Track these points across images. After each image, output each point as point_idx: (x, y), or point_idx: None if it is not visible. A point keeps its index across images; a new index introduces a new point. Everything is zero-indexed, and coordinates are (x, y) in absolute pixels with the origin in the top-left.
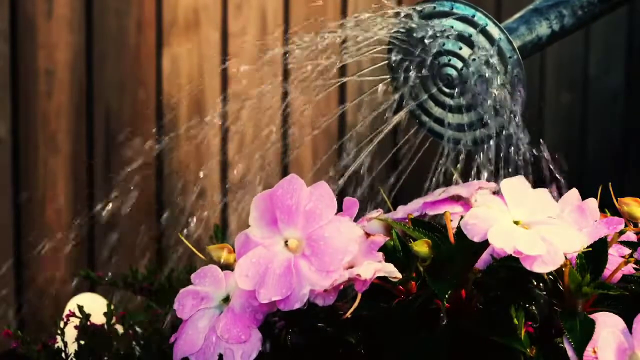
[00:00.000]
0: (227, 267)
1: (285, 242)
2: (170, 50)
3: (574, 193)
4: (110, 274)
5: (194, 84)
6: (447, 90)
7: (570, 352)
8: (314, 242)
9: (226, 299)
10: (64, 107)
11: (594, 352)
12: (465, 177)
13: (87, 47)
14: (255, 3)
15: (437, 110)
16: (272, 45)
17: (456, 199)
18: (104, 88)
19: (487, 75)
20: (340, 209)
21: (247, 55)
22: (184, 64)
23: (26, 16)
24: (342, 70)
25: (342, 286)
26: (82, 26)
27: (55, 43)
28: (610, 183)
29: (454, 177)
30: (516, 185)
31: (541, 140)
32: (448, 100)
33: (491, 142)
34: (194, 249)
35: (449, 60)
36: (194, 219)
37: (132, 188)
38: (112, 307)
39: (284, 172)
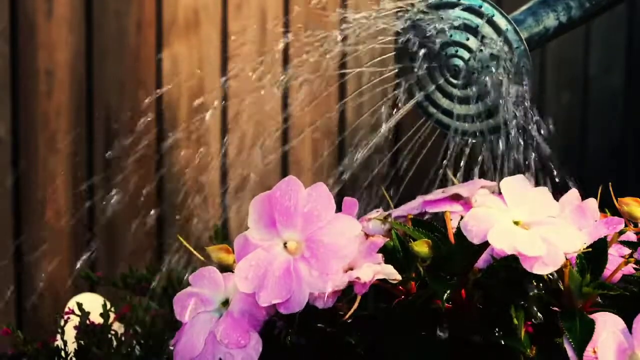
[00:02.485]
0: (227, 268)
1: (285, 244)
2: (170, 50)
3: (574, 193)
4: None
5: (194, 84)
6: (454, 81)
7: (570, 352)
8: (313, 244)
9: (225, 302)
10: (64, 107)
11: (594, 352)
12: (468, 172)
13: (87, 47)
14: (255, 3)
15: (444, 102)
16: (272, 44)
17: (456, 198)
18: (104, 88)
19: (493, 66)
20: (339, 209)
21: (247, 55)
22: (184, 64)
23: (26, 16)
24: (342, 68)
25: (341, 288)
26: (82, 26)
27: (55, 43)
28: (610, 183)
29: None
30: (516, 185)
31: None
32: (455, 91)
33: (497, 134)
34: (193, 251)
35: (456, 51)
36: (194, 219)
37: (132, 188)
38: (111, 306)
39: (284, 173)
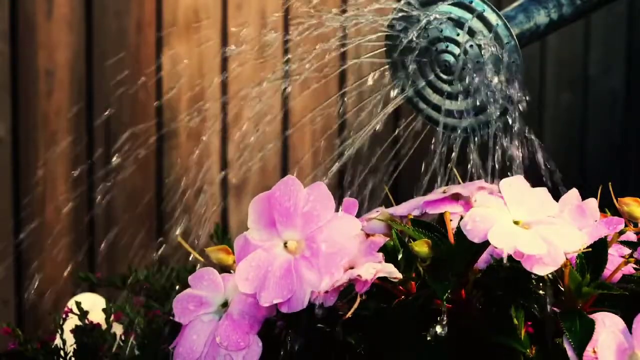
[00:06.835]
0: (226, 269)
1: (285, 244)
2: (170, 50)
3: (573, 193)
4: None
5: (194, 84)
6: (444, 76)
7: (570, 352)
8: (313, 243)
9: (224, 304)
10: (64, 107)
11: (594, 352)
12: (464, 168)
13: (87, 47)
14: (255, 3)
15: (434, 97)
16: (272, 44)
17: (457, 198)
18: (104, 88)
19: (484, 61)
20: (339, 206)
21: (247, 55)
22: (184, 64)
23: (26, 16)
24: (341, 69)
25: (342, 287)
26: (82, 26)
27: (55, 43)
28: (610, 183)
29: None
30: (515, 185)
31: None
32: (445, 87)
33: (488, 130)
34: (193, 252)
35: (447, 46)
36: (194, 219)
37: (132, 188)
38: (111, 306)
39: (283, 172)
